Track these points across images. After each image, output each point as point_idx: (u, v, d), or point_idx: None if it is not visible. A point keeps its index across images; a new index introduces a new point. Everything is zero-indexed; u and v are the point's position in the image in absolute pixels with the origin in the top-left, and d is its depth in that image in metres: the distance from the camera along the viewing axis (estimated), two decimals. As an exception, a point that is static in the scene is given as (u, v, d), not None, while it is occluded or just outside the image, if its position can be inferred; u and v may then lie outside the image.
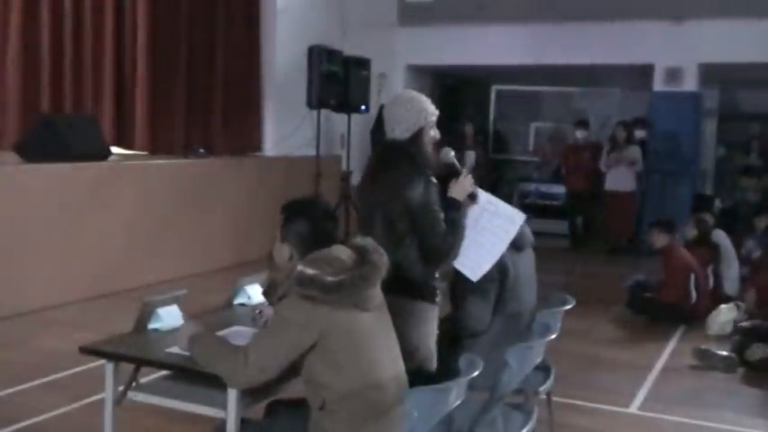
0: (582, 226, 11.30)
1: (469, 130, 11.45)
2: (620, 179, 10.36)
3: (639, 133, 10.83)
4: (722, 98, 12.52)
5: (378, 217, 3.21)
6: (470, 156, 10.98)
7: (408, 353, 2.89)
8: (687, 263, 6.98)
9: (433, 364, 3.29)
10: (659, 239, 7.13)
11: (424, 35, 11.51)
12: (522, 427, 3.25)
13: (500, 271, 3.60)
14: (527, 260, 3.80)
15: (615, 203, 10.41)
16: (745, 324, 6.11)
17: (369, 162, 3.44)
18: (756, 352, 5.63)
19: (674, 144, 10.37)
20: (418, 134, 3.25)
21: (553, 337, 3.41)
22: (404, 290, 3.05)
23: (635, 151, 10.31)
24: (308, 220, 2.83)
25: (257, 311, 3.34)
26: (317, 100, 9.58)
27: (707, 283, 7.15)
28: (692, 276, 6.92)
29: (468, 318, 3.60)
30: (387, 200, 3.18)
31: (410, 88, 12.14)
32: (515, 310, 3.64)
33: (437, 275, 3.31)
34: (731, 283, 7.42)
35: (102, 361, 3.10)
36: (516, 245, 3.69)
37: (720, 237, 7.58)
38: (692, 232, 7.50)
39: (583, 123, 11.24)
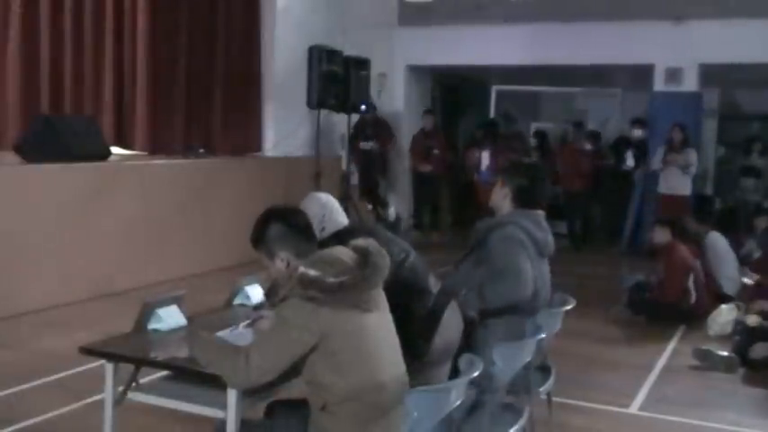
0: (580, 227, 11.30)
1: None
2: (674, 182, 10.08)
3: (637, 133, 10.83)
4: (722, 98, 12.51)
5: None
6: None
7: None
8: (687, 261, 6.99)
9: None
10: (660, 236, 7.18)
11: (424, 35, 11.51)
12: (512, 425, 3.26)
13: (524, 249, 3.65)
14: (544, 266, 3.86)
15: (669, 207, 9.88)
16: (751, 322, 6.05)
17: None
18: (760, 350, 5.61)
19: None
20: None
21: (543, 336, 3.42)
22: None
23: (690, 154, 10.05)
24: (276, 220, 2.85)
25: (258, 316, 3.31)
26: (317, 100, 9.57)
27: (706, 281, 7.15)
28: (691, 275, 6.93)
29: (516, 288, 3.61)
30: None
31: (410, 88, 12.38)
32: (527, 297, 3.69)
33: None
34: (731, 283, 7.41)
35: (102, 361, 3.10)
36: (542, 252, 3.75)
37: (715, 238, 7.56)
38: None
39: (582, 124, 11.23)
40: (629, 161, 10.73)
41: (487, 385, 2.94)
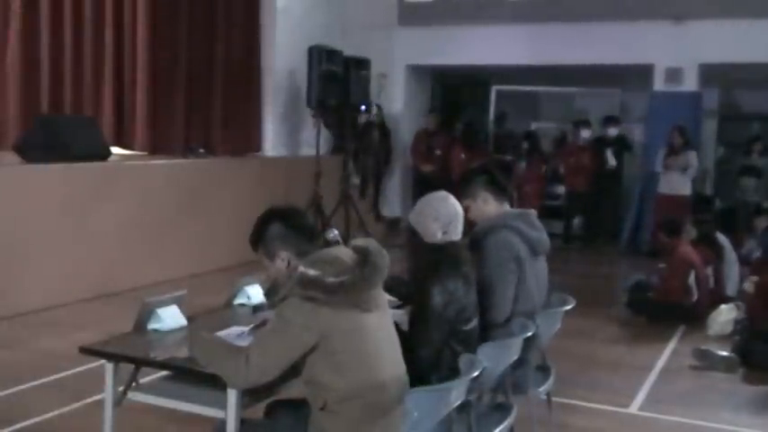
0: (582, 226, 11.29)
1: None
2: (675, 183, 10.08)
3: (612, 131, 10.84)
4: (722, 98, 12.50)
5: None
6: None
7: None
8: (689, 258, 7.00)
9: None
10: (664, 239, 7.25)
11: (424, 35, 11.51)
12: (500, 423, 3.26)
13: (516, 262, 3.63)
14: (541, 265, 3.84)
15: (668, 206, 9.85)
16: None
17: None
18: None
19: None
20: None
21: (530, 335, 3.43)
22: None
23: (690, 156, 10.05)
24: (277, 220, 2.85)
25: (260, 322, 3.28)
26: (317, 100, 9.58)
27: (707, 281, 7.14)
28: (693, 272, 6.93)
29: (492, 309, 3.60)
30: None
31: (410, 88, 12.37)
32: (528, 310, 3.67)
33: None
34: (731, 284, 7.41)
35: (102, 361, 3.11)
36: (536, 251, 3.73)
37: (720, 239, 7.57)
38: (691, 232, 7.49)
39: (585, 123, 11.21)
40: (611, 161, 10.75)
41: (474, 384, 2.95)
